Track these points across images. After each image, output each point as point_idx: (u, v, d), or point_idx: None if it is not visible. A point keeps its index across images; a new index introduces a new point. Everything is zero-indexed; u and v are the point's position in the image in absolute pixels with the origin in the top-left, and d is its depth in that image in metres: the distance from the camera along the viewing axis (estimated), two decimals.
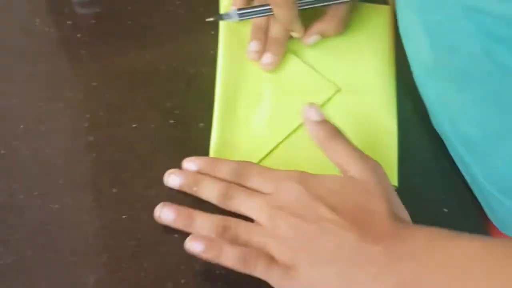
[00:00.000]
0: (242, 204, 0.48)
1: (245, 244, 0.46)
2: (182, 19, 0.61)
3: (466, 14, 0.42)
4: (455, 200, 0.54)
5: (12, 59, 0.59)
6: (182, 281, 0.47)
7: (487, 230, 0.55)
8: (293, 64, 0.58)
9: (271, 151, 0.54)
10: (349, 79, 0.57)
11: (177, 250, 0.47)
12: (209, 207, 0.49)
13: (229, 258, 0.46)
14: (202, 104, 0.56)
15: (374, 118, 0.55)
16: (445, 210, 0.53)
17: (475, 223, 0.54)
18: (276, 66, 0.57)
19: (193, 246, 0.46)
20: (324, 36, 0.57)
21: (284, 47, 0.58)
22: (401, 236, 0.43)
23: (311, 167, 0.50)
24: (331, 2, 0.57)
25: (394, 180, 0.52)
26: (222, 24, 0.60)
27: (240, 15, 0.57)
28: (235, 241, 0.47)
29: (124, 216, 0.50)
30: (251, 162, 0.51)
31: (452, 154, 0.54)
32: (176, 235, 0.49)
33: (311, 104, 0.51)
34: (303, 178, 0.47)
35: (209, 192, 0.49)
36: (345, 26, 0.58)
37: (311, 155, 0.53)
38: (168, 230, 0.49)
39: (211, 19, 0.58)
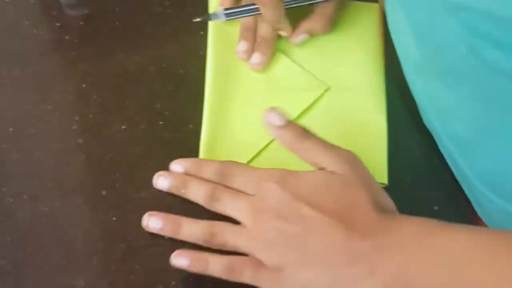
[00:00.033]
0: (227, 206, 0.48)
1: (233, 249, 0.46)
2: (170, 20, 0.61)
3: (451, 12, 0.42)
4: (445, 198, 0.54)
5: (0, 61, 0.58)
6: (173, 283, 0.47)
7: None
8: (282, 63, 0.58)
9: (261, 151, 0.54)
10: (338, 78, 0.57)
11: (167, 252, 0.47)
12: (199, 209, 0.49)
13: (216, 269, 0.45)
14: (191, 105, 0.56)
15: (364, 116, 0.55)
16: (435, 207, 0.53)
17: (465, 221, 0.53)
18: (265, 66, 0.57)
19: (179, 262, 0.46)
20: (311, 34, 0.57)
21: (273, 47, 0.57)
22: (388, 229, 0.43)
23: (301, 167, 0.49)
24: (318, 1, 0.56)
25: (384, 177, 0.52)
26: (210, 25, 0.59)
27: (227, 14, 0.57)
28: (223, 247, 0.46)
29: (114, 219, 0.50)
30: (234, 162, 0.51)
31: (442, 151, 0.54)
32: (166, 237, 0.49)
33: (271, 109, 0.48)
34: (284, 178, 0.47)
35: (196, 193, 0.49)
36: (333, 24, 0.58)
37: None
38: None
39: (198, 19, 0.58)
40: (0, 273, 0.48)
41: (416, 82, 0.54)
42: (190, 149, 0.53)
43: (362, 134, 0.54)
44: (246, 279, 0.45)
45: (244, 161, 0.53)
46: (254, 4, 0.56)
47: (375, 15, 0.61)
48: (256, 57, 0.56)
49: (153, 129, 0.55)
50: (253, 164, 0.53)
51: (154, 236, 0.49)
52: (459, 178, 0.53)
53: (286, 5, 0.55)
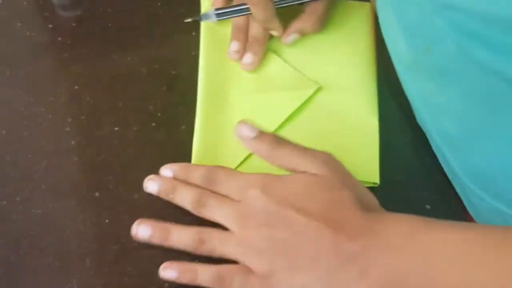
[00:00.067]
0: (214, 212, 0.48)
1: (222, 256, 0.46)
2: (163, 21, 0.61)
3: (438, 12, 0.42)
4: (437, 197, 0.54)
5: None
6: (166, 285, 0.47)
7: None
8: (274, 63, 0.58)
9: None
10: (330, 77, 0.57)
11: (160, 254, 0.48)
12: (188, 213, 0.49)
13: (205, 278, 0.45)
14: (184, 106, 0.56)
15: (355, 115, 0.55)
16: (428, 206, 0.53)
17: (457, 219, 0.53)
18: (257, 66, 0.57)
19: (167, 274, 0.46)
20: (302, 34, 0.57)
21: (265, 47, 0.57)
22: (376, 229, 0.43)
23: None
24: (308, 0, 0.56)
25: (375, 177, 0.52)
26: (202, 25, 0.59)
27: (218, 15, 0.57)
28: (211, 254, 0.46)
29: (106, 220, 0.51)
30: (220, 167, 0.51)
31: (434, 150, 0.54)
32: None
33: (241, 122, 0.49)
34: (268, 184, 0.47)
35: (184, 199, 0.49)
36: (323, 23, 0.58)
37: None
38: None
39: (189, 19, 0.58)
40: None
41: (408, 81, 0.54)
42: (183, 150, 0.53)
43: (353, 133, 0.54)
44: (236, 287, 0.45)
45: (238, 161, 0.53)
46: (245, 4, 0.56)
47: (367, 14, 0.61)
48: (248, 57, 0.56)
49: (146, 130, 0.55)
50: (248, 163, 0.53)
51: None
52: (450, 177, 0.53)
53: (277, 5, 0.55)
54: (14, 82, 0.58)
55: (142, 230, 0.48)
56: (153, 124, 0.55)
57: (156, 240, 0.48)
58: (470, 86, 0.44)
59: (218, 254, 0.46)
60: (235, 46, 0.57)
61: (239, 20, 0.57)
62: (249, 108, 0.56)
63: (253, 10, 0.55)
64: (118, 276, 0.48)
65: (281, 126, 0.54)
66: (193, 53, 0.59)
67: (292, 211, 0.44)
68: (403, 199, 0.52)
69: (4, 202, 0.51)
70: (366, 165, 0.52)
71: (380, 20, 0.55)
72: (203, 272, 0.46)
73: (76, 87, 0.57)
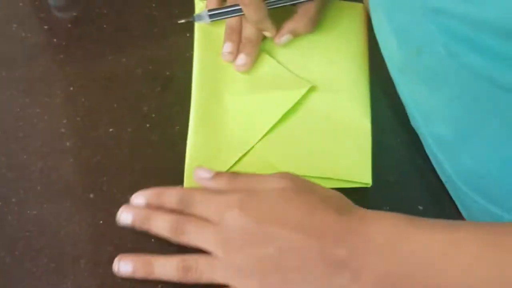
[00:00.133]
0: (195, 238, 0.47)
1: (210, 282, 0.45)
2: (157, 22, 0.62)
3: (428, 16, 0.42)
4: (429, 198, 0.54)
5: None
6: (159, 286, 0.47)
7: None
8: (267, 64, 0.58)
9: (248, 152, 0.54)
10: (323, 78, 0.57)
11: (155, 255, 0.47)
12: None
13: None
14: (178, 107, 0.56)
15: (348, 116, 0.55)
16: (420, 207, 0.53)
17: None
18: (251, 67, 0.57)
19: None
20: (295, 35, 0.58)
21: (258, 48, 0.58)
22: (358, 232, 0.43)
23: (287, 166, 0.51)
24: (300, 1, 0.57)
25: (368, 177, 0.52)
26: (196, 26, 0.60)
27: (211, 16, 0.57)
28: (199, 281, 0.45)
29: (101, 222, 0.51)
30: (194, 189, 0.50)
31: (427, 151, 0.54)
32: (153, 240, 0.49)
33: (197, 168, 0.51)
34: (243, 202, 0.46)
35: (160, 228, 0.48)
36: (315, 24, 0.58)
37: (287, 153, 0.54)
38: (145, 235, 0.49)
39: (183, 21, 0.58)
40: None
41: (401, 84, 0.54)
42: (177, 151, 0.54)
43: (346, 134, 0.54)
44: None
45: (232, 162, 0.53)
46: (237, 5, 0.56)
47: (360, 15, 0.61)
48: (241, 58, 0.56)
49: (140, 131, 0.55)
50: (241, 164, 0.53)
51: (141, 239, 0.49)
52: (443, 179, 0.53)
53: (269, 6, 0.56)
54: (9, 83, 0.58)
55: (123, 266, 0.47)
56: (148, 125, 0.56)
57: (140, 275, 0.47)
58: (461, 89, 0.44)
59: (206, 280, 0.45)
60: (228, 47, 0.57)
61: (233, 21, 0.58)
62: (242, 108, 0.56)
63: (245, 11, 0.55)
64: (113, 278, 0.48)
65: (274, 127, 0.55)
66: (187, 54, 0.59)
67: (272, 225, 0.44)
68: (395, 200, 0.52)
69: None
70: (359, 166, 0.53)
71: (373, 21, 0.55)
72: None
73: (71, 88, 0.58)
